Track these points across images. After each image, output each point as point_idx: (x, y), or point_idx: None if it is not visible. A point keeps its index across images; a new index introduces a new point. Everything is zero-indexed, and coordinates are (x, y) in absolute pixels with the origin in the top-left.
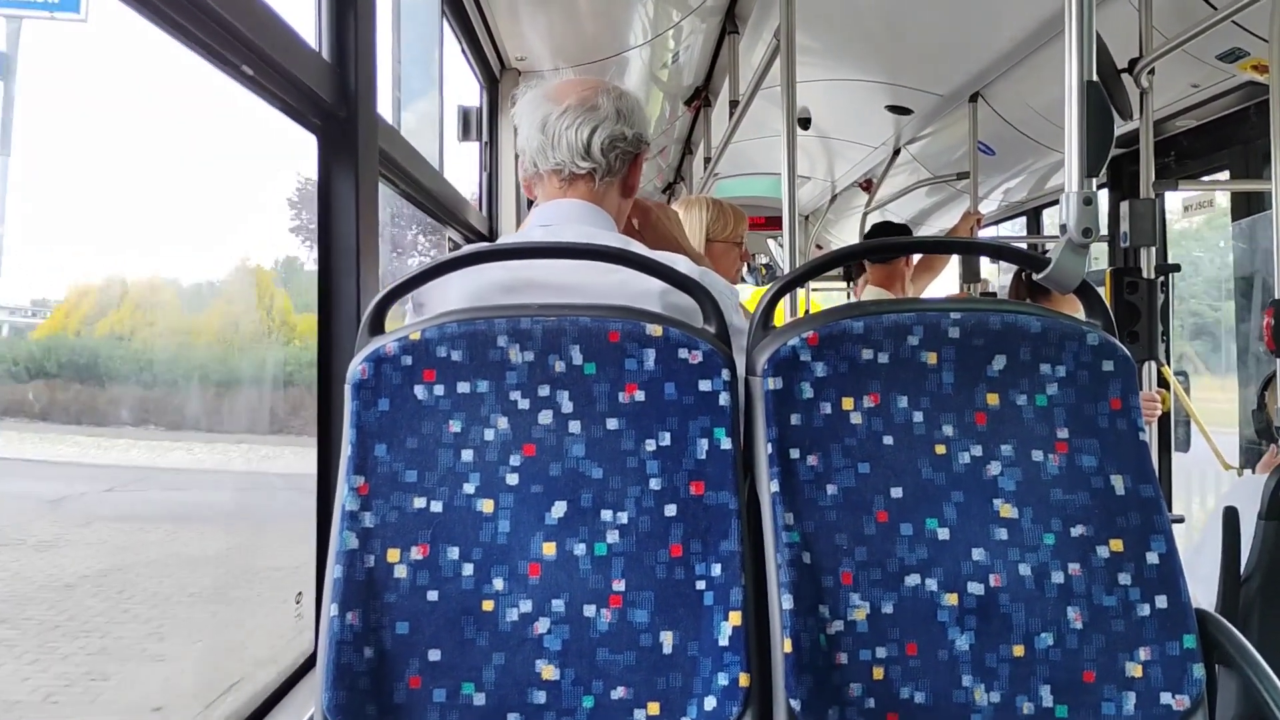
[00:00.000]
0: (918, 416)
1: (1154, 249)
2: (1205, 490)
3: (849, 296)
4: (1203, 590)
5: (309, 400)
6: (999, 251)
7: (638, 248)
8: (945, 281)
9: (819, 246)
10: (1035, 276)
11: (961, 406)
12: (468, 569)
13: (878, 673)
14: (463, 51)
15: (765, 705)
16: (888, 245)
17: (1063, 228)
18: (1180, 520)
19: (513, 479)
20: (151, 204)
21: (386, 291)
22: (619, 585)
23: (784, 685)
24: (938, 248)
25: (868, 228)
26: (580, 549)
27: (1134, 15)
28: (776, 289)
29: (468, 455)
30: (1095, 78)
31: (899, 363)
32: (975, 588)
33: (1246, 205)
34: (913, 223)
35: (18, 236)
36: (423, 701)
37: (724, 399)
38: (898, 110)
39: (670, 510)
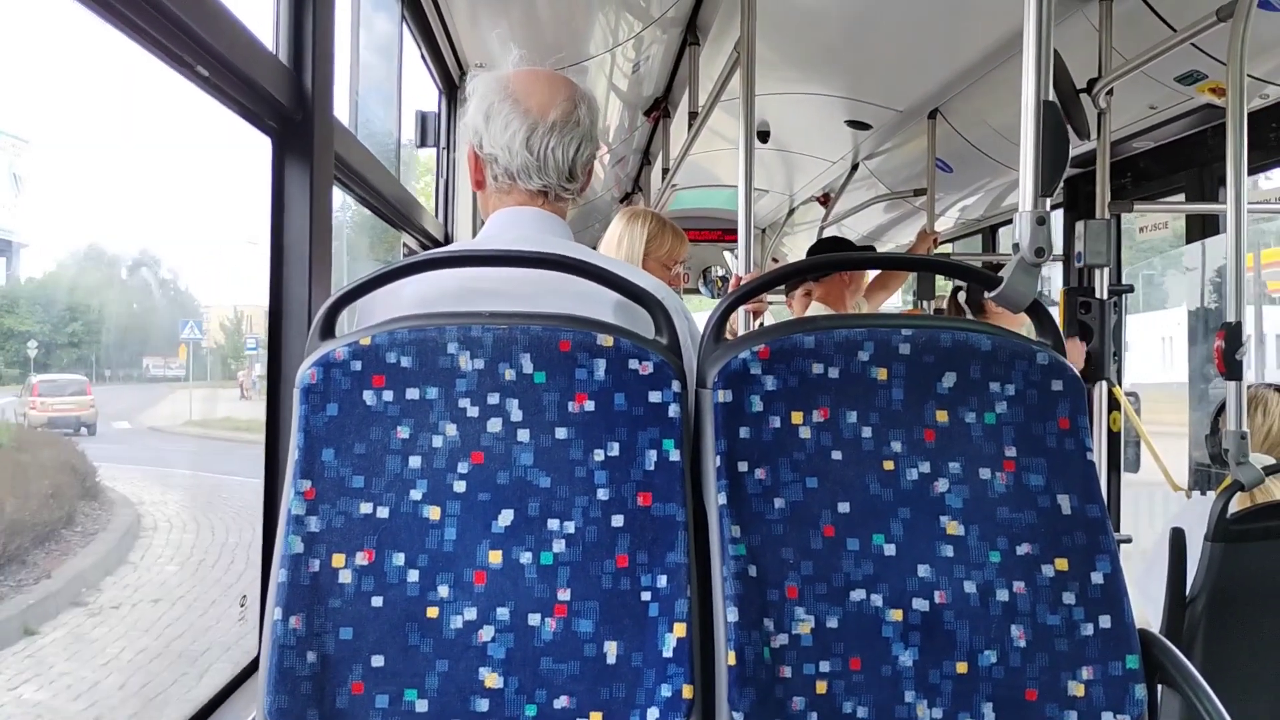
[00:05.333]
0: (866, 432)
1: (1108, 269)
2: (1154, 511)
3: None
4: (1153, 610)
5: None
6: (951, 269)
7: (593, 257)
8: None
9: (775, 260)
10: (987, 295)
11: (910, 423)
12: (413, 575)
13: (821, 687)
14: (421, 57)
15: (708, 717)
16: (840, 261)
17: (1015, 246)
18: (1128, 540)
19: (460, 486)
20: None
21: (337, 296)
22: (564, 595)
23: (727, 698)
24: (892, 264)
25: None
26: (526, 558)
27: (1093, 35)
28: (728, 302)
29: (415, 461)
30: (1052, 97)
31: (849, 378)
32: (920, 604)
33: (1201, 228)
34: (869, 238)
35: None
36: (365, 707)
37: (674, 410)
38: (856, 125)
39: (617, 521)
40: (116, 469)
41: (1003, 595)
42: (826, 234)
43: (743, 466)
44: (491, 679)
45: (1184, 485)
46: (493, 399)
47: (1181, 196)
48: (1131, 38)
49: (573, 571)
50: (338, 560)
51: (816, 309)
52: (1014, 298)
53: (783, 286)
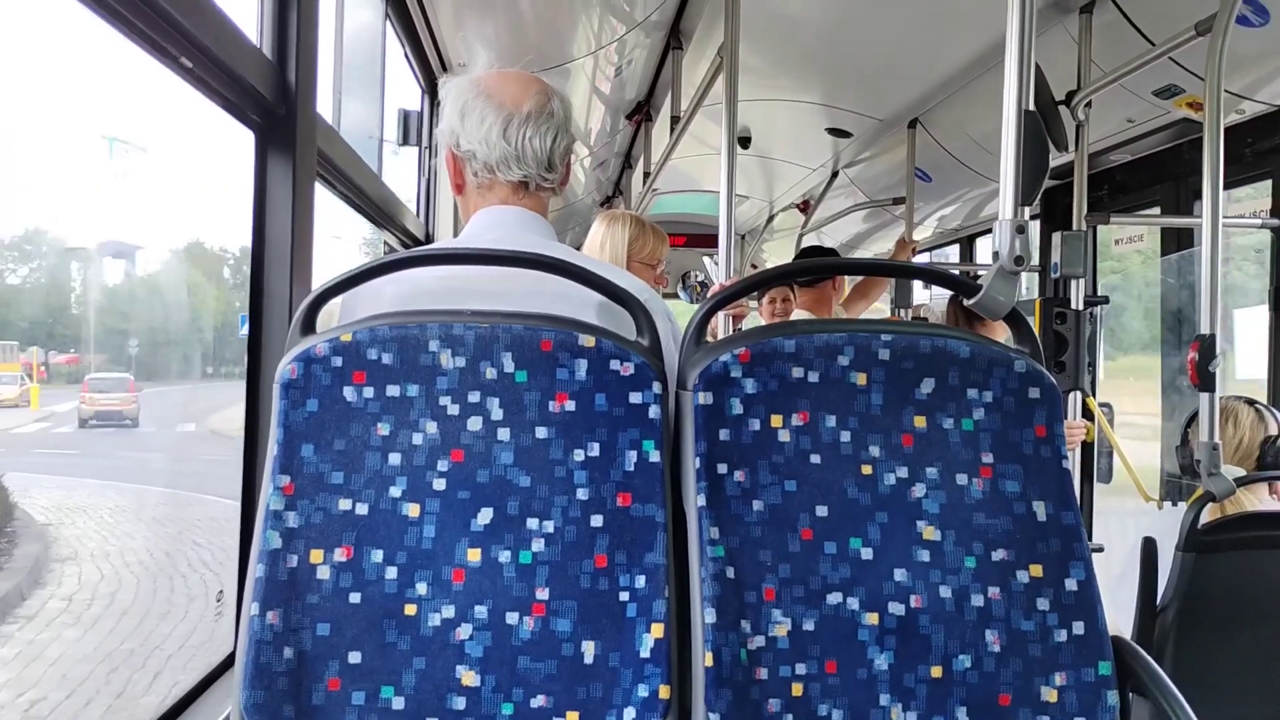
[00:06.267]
0: (845, 436)
1: (1084, 280)
2: (1127, 521)
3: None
4: (1125, 618)
5: None
6: (931, 276)
7: (576, 257)
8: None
9: (754, 266)
10: (966, 302)
11: (889, 428)
12: (391, 572)
13: (797, 689)
14: (405, 55)
15: (684, 718)
16: (822, 266)
17: (995, 255)
18: (1100, 550)
19: (440, 484)
20: None
21: (318, 291)
22: (542, 594)
23: (703, 699)
24: (871, 270)
25: (802, 249)
26: (505, 556)
27: (1073, 48)
28: (708, 307)
29: (395, 458)
30: (1033, 107)
31: (829, 382)
32: (896, 608)
33: (1176, 241)
34: (848, 246)
35: None
36: (341, 704)
37: (654, 412)
38: (837, 133)
39: (597, 521)
40: (111, 494)
41: (978, 600)
42: (806, 241)
43: (722, 468)
44: (469, 677)
45: (1155, 496)
46: (473, 397)
47: (1158, 209)
48: (1111, 51)
49: (551, 571)
50: (316, 556)
51: (800, 315)
52: (993, 305)
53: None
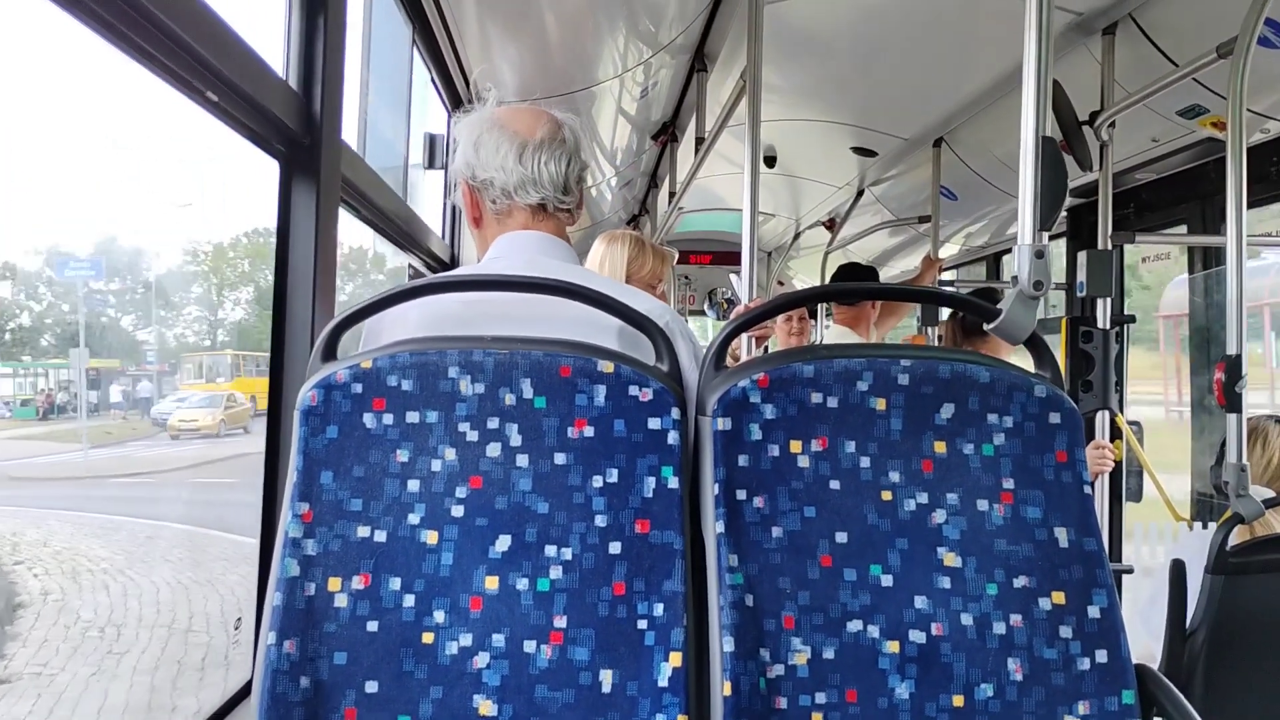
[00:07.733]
0: (865, 462)
1: (1111, 299)
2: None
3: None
4: (1158, 642)
5: None
6: (952, 301)
7: (596, 281)
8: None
9: (781, 283)
10: (986, 327)
11: (909, 453)
12: (409, 600)
13: (817, 719)
14: (431, 80)
15: None
16: (843, 291)
17: (1014, 279)
18: (1129, 571)
19: (458, 511)
20: None
21: (340, 319)
22: (560, 622)
23: None
24: (894, 295)
25: (829, 267)
26: (523, 584)
27: (1096, 69)
28: (728, 331)
29: (414, 485)
30: (1050, 133)
31: (848, 408)
32: (917, 636)
33: (1203, 259)
34: (874, 263)
35: None
36: None
37: (673, 438)
38: (862, 152)
39: (615, 548)
40: None
41: (1000, 628)
42: (832, 258)
43: (741, 495)
44: (486, 706)
45: (1186, 516)
46: (492, 423)
47: (1184, 228)
48: (1134, 72)
49: (569, 599)
50: (334, 584)
51: (836, 333)
52: (1012, 330)
53: None
